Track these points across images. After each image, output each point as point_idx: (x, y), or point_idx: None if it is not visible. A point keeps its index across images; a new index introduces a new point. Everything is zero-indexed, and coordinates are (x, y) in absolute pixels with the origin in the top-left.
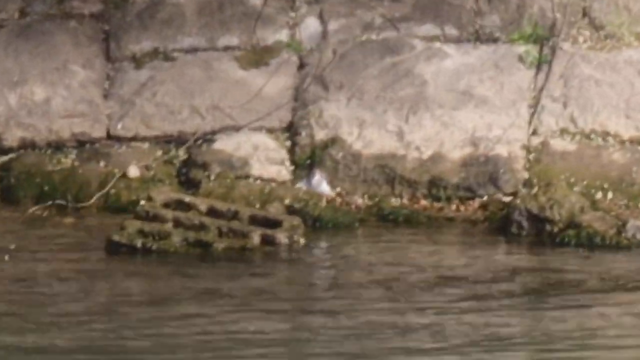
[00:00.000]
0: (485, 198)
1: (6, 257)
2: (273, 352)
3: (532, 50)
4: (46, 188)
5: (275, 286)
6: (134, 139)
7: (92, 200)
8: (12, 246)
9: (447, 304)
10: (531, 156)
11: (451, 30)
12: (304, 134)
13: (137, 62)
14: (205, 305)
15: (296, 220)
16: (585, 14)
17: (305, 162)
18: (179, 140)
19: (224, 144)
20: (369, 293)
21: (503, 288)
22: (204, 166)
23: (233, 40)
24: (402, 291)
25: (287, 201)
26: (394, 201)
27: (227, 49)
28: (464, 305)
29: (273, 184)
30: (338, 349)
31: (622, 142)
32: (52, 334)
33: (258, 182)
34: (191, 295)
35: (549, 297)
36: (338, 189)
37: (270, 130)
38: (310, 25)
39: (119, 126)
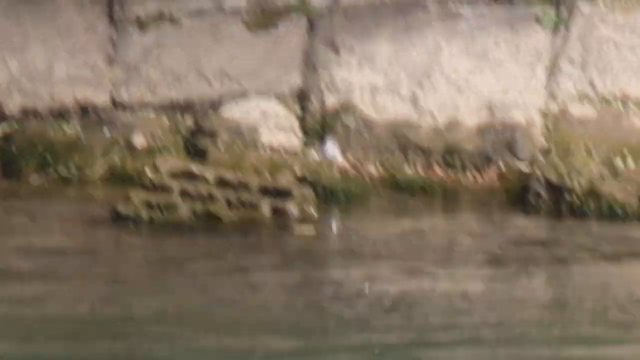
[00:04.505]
0: (502, 166)
1: None
2: None
3: (549, 11)
4: (49, 157)
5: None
6: (139, 106)
7: (96, 170)
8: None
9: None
10: (549, 122)
11: None
12: (314, 99)
13: (142, 25)
14: None
15: (307, 191)
16: None
17: (316, 129)
18: (185, 107)
19: (232, 111)
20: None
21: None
22: (212, 134)
23: (240, 1)
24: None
25: (297, 170)
26: (408, 170)
27: (234, 11)
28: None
29: (283, 153)
30: None
31: None
32: None
33: (267, 150)
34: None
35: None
36: (350, 158)
37: (279, 96)
38: None
39: (124, 92)
